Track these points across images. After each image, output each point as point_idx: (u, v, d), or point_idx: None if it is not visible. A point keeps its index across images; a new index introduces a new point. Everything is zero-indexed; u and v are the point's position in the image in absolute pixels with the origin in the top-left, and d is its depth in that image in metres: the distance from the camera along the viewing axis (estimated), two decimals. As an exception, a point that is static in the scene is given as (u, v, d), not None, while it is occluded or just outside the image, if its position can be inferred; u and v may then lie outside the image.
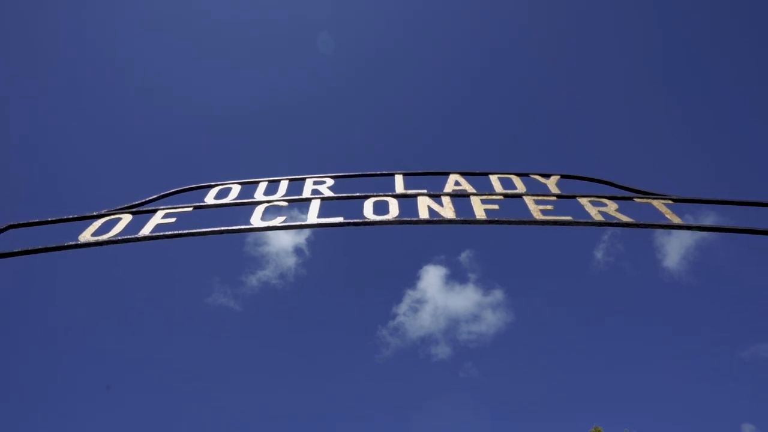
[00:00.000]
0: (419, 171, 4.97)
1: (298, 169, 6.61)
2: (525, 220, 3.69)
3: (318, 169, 5.05)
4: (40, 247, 3.34)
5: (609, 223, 3.59)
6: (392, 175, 4.83)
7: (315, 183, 4.57)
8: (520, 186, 4.42)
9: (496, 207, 3.97)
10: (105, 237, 3.51)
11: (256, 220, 3.81)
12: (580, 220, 3.63)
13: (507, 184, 4.58)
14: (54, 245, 3.38)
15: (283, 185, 4.58)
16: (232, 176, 5.01)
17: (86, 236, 3.53)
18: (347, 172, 4.88)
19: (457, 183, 4.51)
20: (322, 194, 4.31)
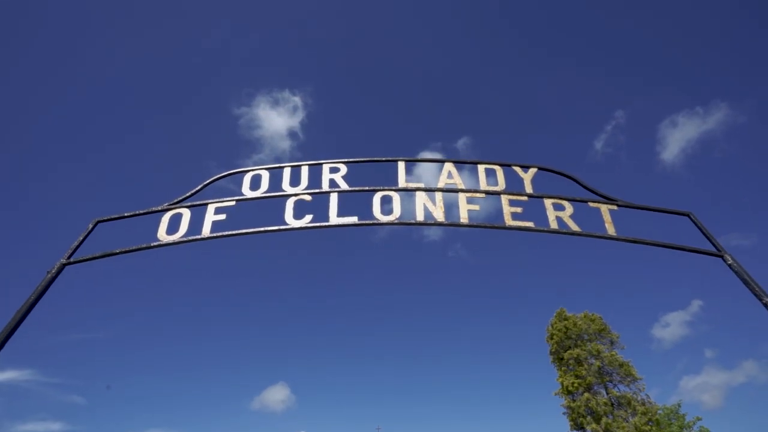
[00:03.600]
0: (419, 158, 5.80)
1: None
2: (497, 225, 4.80)
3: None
4: (133, 247, 4.50)
5: (560, 231, 4.71)
6: (396, 161, 5.69)
7: (331, 171, 5.46)
8: (501, 180, 5.35)
9: (477, 208, 5.02)
10: (177, 237, 4.65)
11: (289, 217, 4.88)
12: (539, 228, 4.74)
13: (491, 173, 5.50)
14: (143, 245, 4.53)
15: (305, 170, 5.48)
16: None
17: (163, 235, 4.65)
18: (358, 158, 5.69)
19: (449, 175, 5.42)
20: (339, 187, 5.26)
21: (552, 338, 25.98)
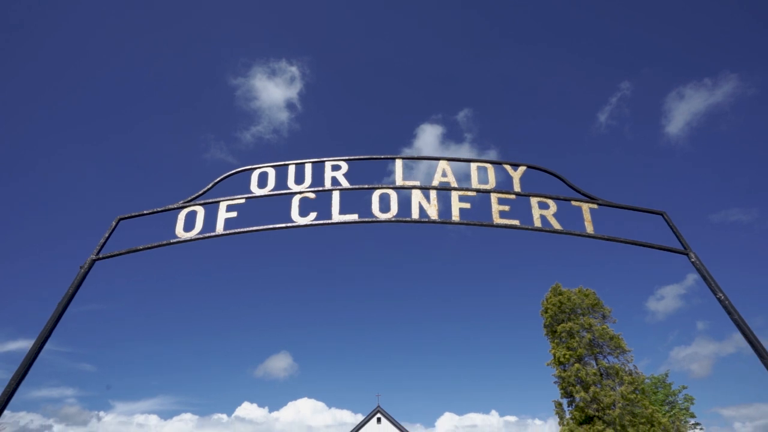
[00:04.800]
0: (415, 156, 6.16)
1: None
2: (485, 223, 5.23)
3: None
4: (155, 244, 4.97)
5: (543, 229, 5.14)
6: (394, 159, 6.06)
7: (333, 168, 5.84)
8: (492, 179, 5.74)
9: (468, 206, 5.43)
10: (194, 234, 5.10)
11: (295, 215, 5.32)
12: (524, 226, 5.17)
13: (482, 170, 5.88)
14: (163, 242, 5.00)
15: (308, 168, 5.87)
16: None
17: (180, 231, 5.11)
18: (358, 156, 6.06)
19: (443, 174, 5.80)
20: (341, 185, 5.66)
21: (546, 312, 26.91)
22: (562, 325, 25.14)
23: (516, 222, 5.23)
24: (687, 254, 4.70)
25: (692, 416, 28.68)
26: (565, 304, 25.88)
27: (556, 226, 5.18)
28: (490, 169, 5.86)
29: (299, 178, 5.75)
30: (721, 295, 4.23)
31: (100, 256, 4.77)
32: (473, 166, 5.91)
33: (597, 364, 23.90)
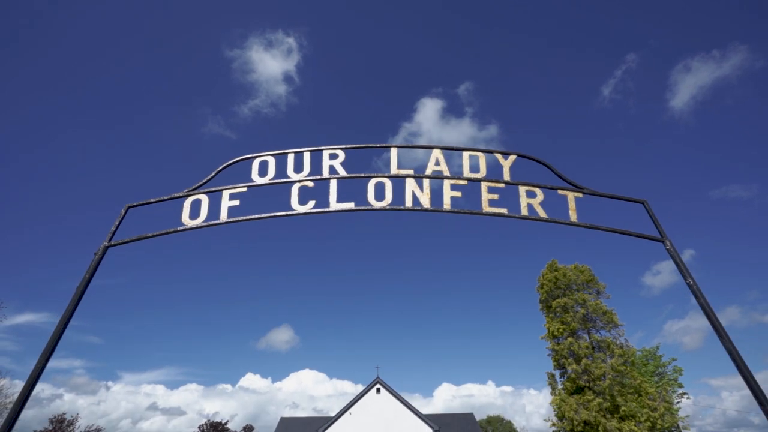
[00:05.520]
0: (411, 145, 6.39)
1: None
2: (474, 211, 5.51)
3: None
4: (163, 231, 5.28)
5: (530, 218, 5.43)
6: (389, 147, 6.29)
7: (330, 157, 6.08)
8: (482, 167, 5.98)
9: (459, 194, 5.70)
10: (199, 221, 5.40)
11: (294, 203, 5.60)
12: (512, 214, 5.46)
13: (474, 159, 6.12)
14: (171, 229, 5.30)
15: (307, 156, 6.11)
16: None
17: (186, 219, 5.41)
18: (354, 144, 6.28)
19: (437, 163, 6.04)
20: (338, 173, 5.91)
21: (542, 288, 27.56)
22: (557, 300, 25.81)
23: (504, 210, 5.52)
24: (663, 242, 5.00)
25: (680, 386, 29.80)
26: (561, 280, 26.48)
27: (542, 214, 5.46)
28: (482, 158, 6.09)
29: (298, 167, 5.99)
30: (690, 280, 4.56)
31: (113, 243, 5.09)
32: (465, 154, 6.14)
33: (590, 338, 24.70)
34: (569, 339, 24.53)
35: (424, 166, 6.08)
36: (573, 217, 5.44)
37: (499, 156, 6.11)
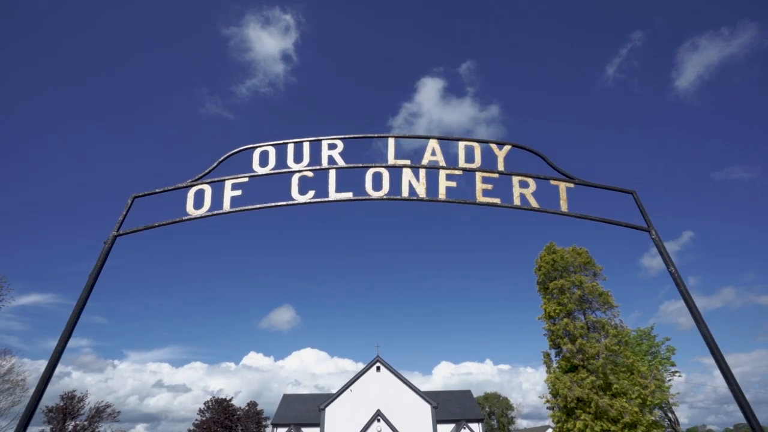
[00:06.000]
0: (408, 135, 6.52)
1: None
2: (468, 201, 5.70)
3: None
4: (169, 221, 5.48)
5: (522, 207, 5.62)
6: (386, 137, 6.44)
7: (329, 147, 6.23)
8: (477, 158, 6.14)
9: (453, 184, 5.88)
10: (203, 211, 5.61)
11: (295, 193, 5.79)
12: (504, 204, 5.65)
13: (469, 150, 6.27)
14: (176, 219, 5.51)
15: (306, 146, 6.26)
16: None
17: (191, 209, 5.61)
18: (353, 135, 6.42)
19: (433, 152, 6.19)
20: (337, 163, 6.08)
21: (540, 269, 27.96)
22: (554, 282, 26.23)
23: (497, 200, 5.71)
24: (649, 231, 5.21)
25: (672, 365, 30.59)
26: (558, 263, 26.84)
27: (534, 204, 5.65)
28: (477, 148, 6.24)
29: (298, 157, 6.15)
30: (672, 268, 4.79)
31: (121, 232, 5.31)
32: (461, 144, 6.28)
33: (585, 319, 25.24)
34: (565, 320, 25.07)
35: (422, 150, 6.24)
36: (564, 207, 5.63)
37: (494, 146, 6.26)
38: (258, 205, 5.70)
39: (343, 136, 6.34)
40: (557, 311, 25.59)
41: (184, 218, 5.57)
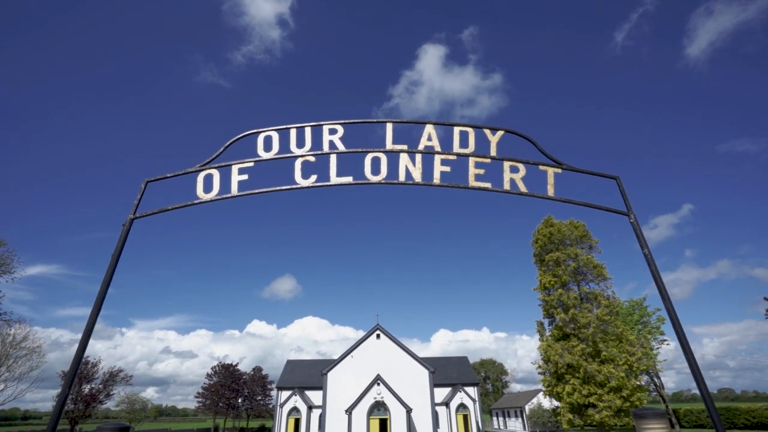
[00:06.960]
0: (405, 120, 6.80)
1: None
2: (461, 185, 6.06)
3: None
4: (181, 204, 5.87)
5: (511, 192, 5.99)
6: (384, 122, 6.73)
7: (330, 132, 6.53)
8: (471, 143, 6.45)
9: (448, 169, 6.22)
10: (212, 195, 5.99)
11: (298, 177, 6.14)
12: (495, 188, 6.02)
13: (464, 135, 6.57)
14: (188, 203, 5.90)
15: (308, 131, 6.56)
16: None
17: (201, 193, 5.99)
18: (353, 119, 6.69)
19: (429, 138, 6.49)
20: (337, 148, 6.40)
21: (537, 242, 28.56)
22: (550, 254, 26.88)
23: (488, 185, 6.07)
24: (628, 215, 5.60)
25: (661, 333, 31.76)
26: (555, 236, 27.39)
27: (523, 189, 6.02)
28: (471, 134, 6.53)
29: (300, 142, 6.46)
30: (646, 250, 5.21)
31: (137, 215, 5.71)
32: (456, 130, 6.57)
33: (579, 290, 26.06)
34: (559, 291, 25.88)
35: (420, 127, 6.53)
36: (550, 191, 6.00)
37: (487, 131, 6.55)
38: (264, 189, 6.07)
39: (343, 121, 6.62)
40: (552, 283, 26.37)
41: (195, 201, 5.96)
